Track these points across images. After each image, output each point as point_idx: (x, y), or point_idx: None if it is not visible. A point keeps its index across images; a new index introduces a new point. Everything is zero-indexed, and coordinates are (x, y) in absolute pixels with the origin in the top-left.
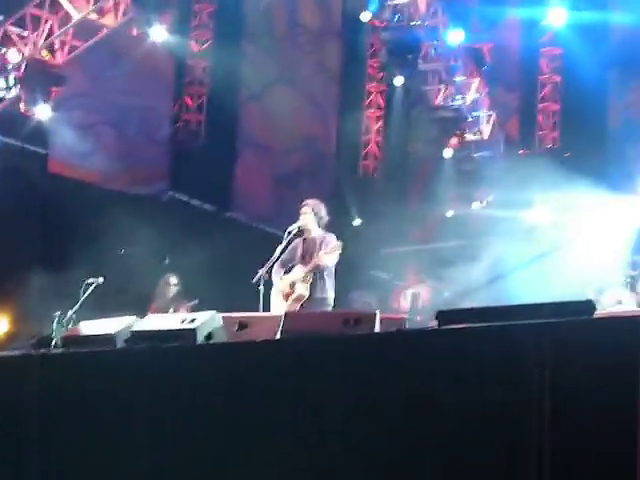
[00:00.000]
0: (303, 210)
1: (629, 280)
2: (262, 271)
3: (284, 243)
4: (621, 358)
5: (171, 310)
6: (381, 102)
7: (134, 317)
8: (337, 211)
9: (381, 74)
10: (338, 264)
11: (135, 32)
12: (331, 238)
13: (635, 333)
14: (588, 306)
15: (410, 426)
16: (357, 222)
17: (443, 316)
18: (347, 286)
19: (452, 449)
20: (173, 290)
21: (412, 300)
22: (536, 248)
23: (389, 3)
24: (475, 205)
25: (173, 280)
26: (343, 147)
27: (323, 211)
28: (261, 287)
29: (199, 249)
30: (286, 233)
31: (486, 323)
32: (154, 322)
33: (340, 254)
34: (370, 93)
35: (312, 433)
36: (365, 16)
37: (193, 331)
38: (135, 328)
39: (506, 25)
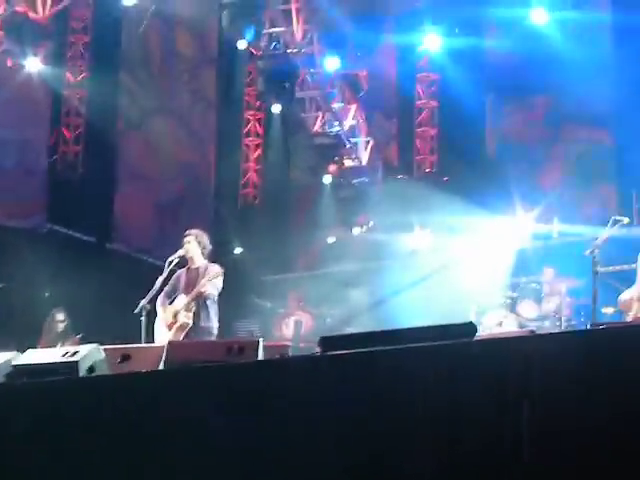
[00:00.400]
0: (186, 240)
1: (509, 301)
2: (144, 301)
3: (165, 273)
4: (503, 378)
5: (59, 345)
6: (259, 130)
7: (15, 352)
8: (218, 240)
9: (259, 102)
10: (221, 293)
11: (10, 63)
12: (215, 269)
13: (517, 354)
14: (470, 328)
15: (291, 454)
16: (238, 251)
17: (326, 342)
18: (231, 315)
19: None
20: (60, 326)
21: (295, 327)
22: (418, 271)
23: (265, 31)
24: (356, 230)
25: (59, 316)
26: (222, 176)
27: (206, 241)
28: (143, 318)
29: (81, 281)
30: (167, 263)
31: (369, 348)
32: (35, 356)
33: (223, 282)
34: (248, 121)
35: (209, 462)
36: (241, 44)
37: (75, 364)
38: (16, 362)
39: (382, 51)
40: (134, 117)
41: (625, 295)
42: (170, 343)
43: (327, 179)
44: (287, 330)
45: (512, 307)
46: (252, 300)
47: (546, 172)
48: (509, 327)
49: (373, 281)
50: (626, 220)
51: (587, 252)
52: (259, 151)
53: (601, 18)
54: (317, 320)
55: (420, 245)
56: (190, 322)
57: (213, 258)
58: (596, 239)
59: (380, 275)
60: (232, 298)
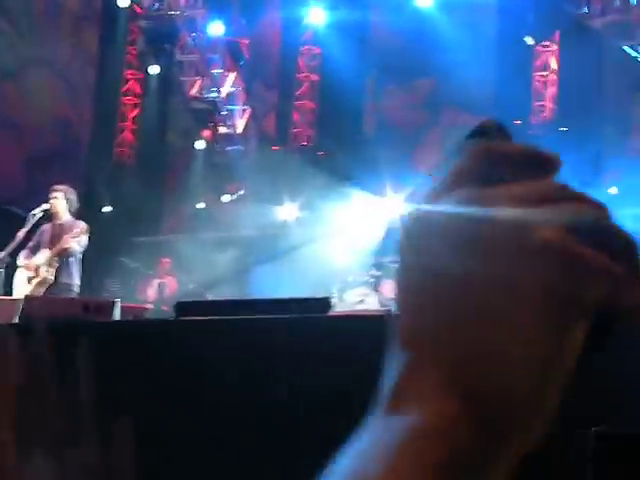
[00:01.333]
0: (53, 195)
1: (373, 280)
2: (3, 253)
3: (28, 226)
4: (350, 356)
5: None
6: (138, 90)
7: None
8: (88, 197)
9: (139, 62)
10: (89, 251)
11: None
12: (80, 225)
13: (369, 333)
14: (324, 303)
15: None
16: (108, 209)
17: (181, 307)
18: (98, 273)
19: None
20: None
21: (158, 290)
22: (285, 244)
23: None
24: (226, 198)
25: None
26: (98, 133)
27: (74, 198)
28: (2, 270)
29: None
30: (30, 216)
31: (222, 316)
32: None
33: (89, 240)
34: (127, 80)
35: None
36: (123, 2)
37: None
38: None
39: (267, 21)
40: (10, 66)
41: None
42: (26, 297)
43: (200, 144)
44: (152, 292)
45: (375, 286)
46: (120, 260)
47: (422, 155)
48: (370, 305)
49: (240, 250)
50: None
51: None
52: (136, 111)
53: (486, 3)
54: (181, 284)
55: (289, 218)
56: (51, 278)
57: (82, 215)
58: None
59: (247, 245)
60: (100, 256)
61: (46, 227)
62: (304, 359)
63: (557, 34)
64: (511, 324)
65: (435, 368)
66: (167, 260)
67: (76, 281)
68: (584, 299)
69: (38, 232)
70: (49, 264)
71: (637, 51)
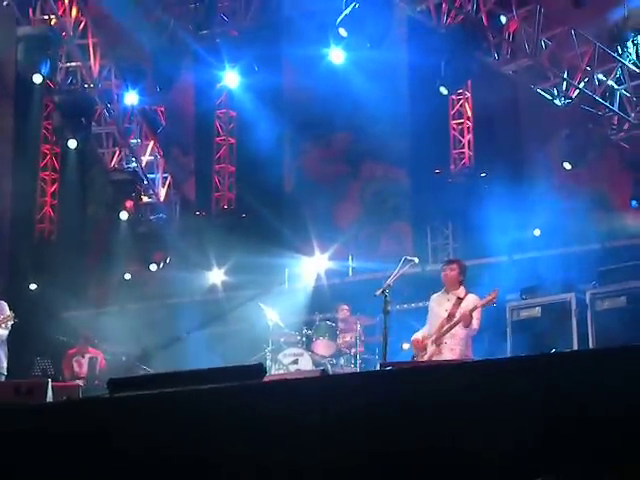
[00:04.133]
0: None
1: (304, 339)
2: None
3: None
4: (290, 420)
5: None
6: (56, 164)
7: None
8: (13, 275)
9: (55, 137)
10: (17, 329)
11: None
12: (2, 306)
13: (306, 396)
14: (257, 370)
15: None
16: (33, 286)
17: (115, 384)
18: (27, 350)
19: None
20: None
21: (89, 365)
22: (215, 309)
23: (61, 66)
24: (153, 267)
25: None
26: (18, 210)
27: None
28: None
29: None
30: None
31: (157, 390)
32: None
33: (18, 318)
34: (45, 155)
35: None
36: (37, 78)
37: None
38: None
39: (180, 87)
40: None
41: (417, 335)
42: None
43: (124, 215)
44: (80, 368)
45: (307, 345)
46: (50, 336)
47: (343, 210)
48: (304, 365)
49: (170, 319)
50: (416, 260)
51: (378, 292)
52: (56, 186)
53: (398, 57)
54: (113, 358)
55: (217, 282)
56: None
57: (8, 292)
58: (387, 279)
59: (177, 313)
60: (28, 334)
61: None
62: (242, 428)
63: (469, 83)
64: None
65: None
66: (90, 334)
67: (3, 364)
68: None
69: None
70: None
71: (551, 94)
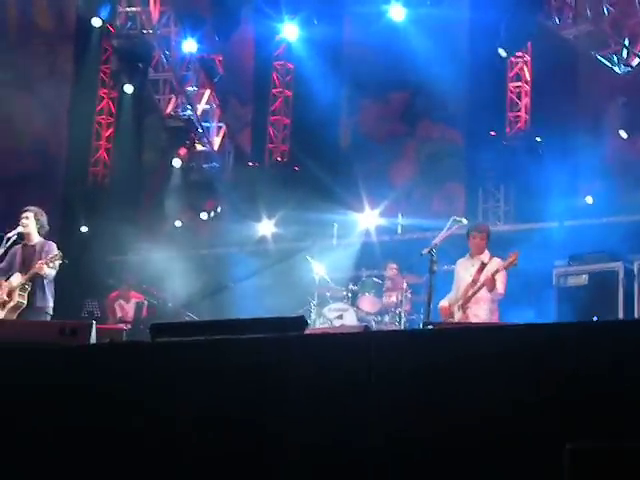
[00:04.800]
0: (24, 215)
1: (350, 295)
2: None
3: (2, 249)
4: (330, 372)
5: None
6: (112, 109)
7: None
8: (65, 217)
9: (113, 81)
10: (65, 271)
11: None
12: (51, 247)
13: (347, 350)
14: (299, 322)
15: (121, 444)
16: (84, 229)
17: (157, 329)
18: (76, 293)
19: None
20: None
21: (136, 310)
22: (263, 260)
23: (121, 10)
24: (204, 215)
25: None
26: (73, 152)
27: (44, 219)
28: None
29: None
30: (4, 239)
31: (199, 337)
32: None
33: (65, 261)
34: (102, 99)
35: (26, 443)
36: (96, 22)
37: None
38: None
39: (239, 38)
40: None
41: (443, 302)
42: (1, 322)
43: (177, 162)
44: (125, 312)
45: (353, 300)
46: (99, 279)
47: (398, 169)
48: (349, 320)
49: (218, 267)
50: (464, 221)
51: (425, 251)
52: (111, 130)
53: (459, 16)
54: (160, 304)
55: (266, 234)
56: (25, 302)
57: (60, 234)
58: (434, 238)
59: (226, 262)
60: (78, 276)
61: (17, 249)
62: (281, 379)
63: (529, 45)
64: None
65: None
66: (139, 279)
67: (50, 304)
68: None
69: (9, 254)
70: (22, 289)
71: (610, 60)
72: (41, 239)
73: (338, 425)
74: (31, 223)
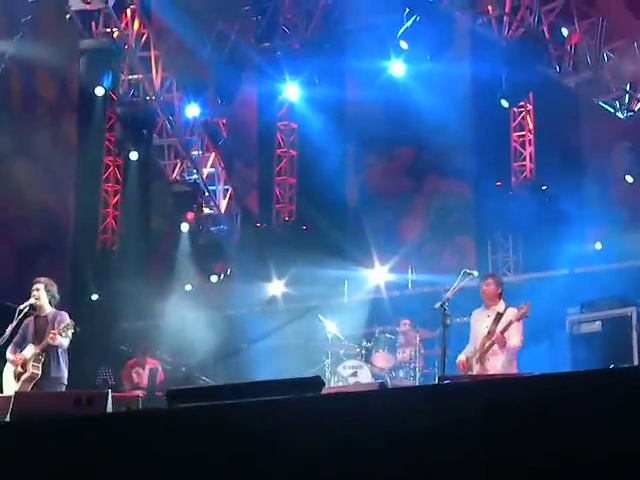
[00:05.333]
0: (35, 287)
1: (364, 351)
2: None
3: (15, 322)
4: (349, 432)
5: None
6: (119, 176)
7: None
8: (75, 285)
9: (118, 148)
10: (77, 339)
11: None
12: (63, 316)
13: (361, 409)
14: (315, 383)
15: None
16: (95, 297)
17: (173, 395)
18: (88, 361)
19: None
20: None
21: (150, 376)
22: (275, 320)
23: (123, 78)
24: (213, 278)
25: None
26: (81, 221)
27: (55, 290)
28: None
29: None
30: (17, 311)
31: (215, 401)
32: None
33: (77, 329)
34: (108, 167)
35: None
36: (99, 91)
37: None
38: None
39: (242, 100)
40: None
41: (461, 356)
42: (17, 394)
43: (185, 227)
44: (140, 378)
45: (367, 357)
46: (111, 346)
47: (406, 224)
48: (363, 377)
49: (231, 329)
50: (475, 273)
51: (437, 305)
52: (118, 197)
53: (460, 69)
54: (173, 369)
55: (277, 294)
56: (39, 373)
57: (71, 303)
58: (446, 292)
59: (238, 323)
60: (90, 344)
61: (30, 321)
62: (300, 441)
63: (531, 94)
64: None
65: None
66: (149, 345)
67: (64, 374)
68: None
69: (22, 326)
70: (36, 359)
71: (613, 106)
72: (53, 309)
73: None
74: (42, 294)
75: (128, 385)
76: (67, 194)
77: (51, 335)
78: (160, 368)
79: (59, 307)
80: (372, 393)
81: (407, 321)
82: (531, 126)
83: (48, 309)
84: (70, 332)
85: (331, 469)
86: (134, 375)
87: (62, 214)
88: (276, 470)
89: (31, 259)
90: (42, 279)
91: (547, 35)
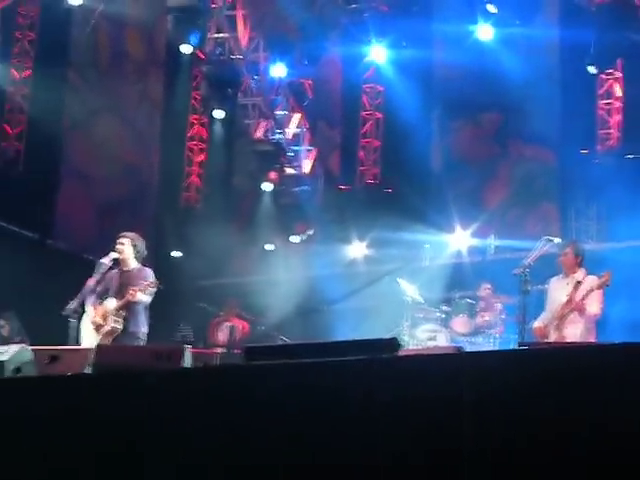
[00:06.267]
0: (121, 241)
1: (443, 316)
2: (74, 304)
3: (98, 275)
4: (425, 393)
5: None
6: (203, 134)
7: None
8: (157, 242)
9: (203, 107)
10: (160, 296)
11: None
12: (148, 273)
13: (437, 372)
14: (393, 344)
15: (215, 461)
16: (177, 253)
17: (250, 352)
18: (169, 317)
19: None
20: (4, 330)
21: (230, 333)
22: (354, 282)
23: (210, 36)
24: (295, 239)
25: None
26: (165, 178)
27: (142, 245)
28: (73, 320)
29: (20, 278)
30: (99, 264)
31: (291, 359)
32: None
33: (161, 284)
34: (193, 125)
35: (127, 467)
36: (186, 49)
37: (0, 364)
38: None
39: (328, 61)
40: (80, 116)
41: (538, 323)
42: (98, 347)
43: (267, 186)
44: (222, 336)
45: (445, 321)
46: (192, 304)
47: (490, 189)
48: (441, 341)
49: (310, 290)
50: (556, 240)
51: (517, 271)
52: (202, 155)
53: (548, 34)
54: (252, 327)
55: (358, 256)
56: (120, 327)
57: (152, 259)
58: (527, 258)
59: (318, 284)
60: (171, 301)
61: (114, 274)
62: (375, 401)
63: (619, 62)
64: None
65: None
66: (236, 303)
67: (143, 329)
68: None
69: (106, 279)
70: (117, 314)
71: None
72: (138, 265)
73: (432, 445)
74: (127, 249)
75: (213, 342)
76: (152, 151)
77: (131, 292)
78: (241, 326)
79: (143, 264)
80: (448, 356)
81: (488, 286)
82: (619, 94)
83: (133, 264)
84: (153, 291)
85: (407, 429)
86: (218, 332)
87: (146, 171)
88: (349, 430)
89: (114, 215)
90: (129, 234)
91: (637, 1)
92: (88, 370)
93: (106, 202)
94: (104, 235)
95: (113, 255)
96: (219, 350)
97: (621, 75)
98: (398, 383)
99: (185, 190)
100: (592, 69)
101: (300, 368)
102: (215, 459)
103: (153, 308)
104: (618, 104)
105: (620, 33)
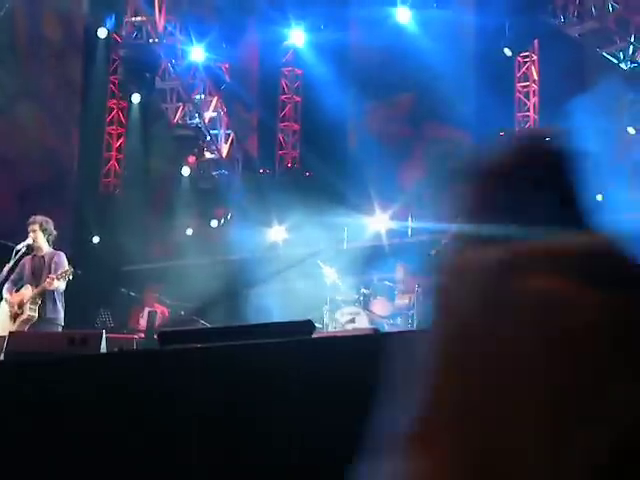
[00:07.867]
0: (31, 228)
1: (362, 298)
2: None
3: (12, 261)
4: (339, 373)
5: None
6: (122, 119)
7: None
8: (77, 227)
9: (121, 91)
10: (79, 281)
11: None
12: (61, 258)
13: (351, 352)
14: (307, 326)
15: (127, 452)
16: (96, 239)
17: (165, 337)
18: (89, 303)
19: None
20: None
21: (149, 318)
22: (274, 266)
23: (127, 20)
24: (214, 223)
25: None
26: (85, 163)
27: (51, 227)
28: None
29: None
30: (14, 251)
31: (206, 343)
32: None
33: (77, 272)
34: (112, 109)
35: (43, 453)
36: (102, 32)
37: None
38: None
39: (246, 44)
40: None
41: None
42: (11, 333)
43: (186, 170)
44: (142, 321)
45: (365, 304)
46: (113, 289)
47: (406, 170)
48: (361, 324)
49: (230, 274)
50: None
51: (433, 252)
52: (121, 140)
53: (464, 18)
54: (172, 312)
55: (278, 240)
56: (36, 315)
57: (72, 244)
58: (444, 239)
59: (237, 268)
60: (91, 287)
61: (27, 260)
62: (289, 382)
63: (536, 44)
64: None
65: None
66: (155, 288)
67: (61, 315)
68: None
69: (19, 265)
70: (33, 302)
71: (617, 57)
72: (50, 250)
73: (348, 427)
74: (39, 234)
75: (133, 328)
76: (71, 136)
77: (48, 280)
78: (161, 311)
79: (58, 247)
80: (362, 337)
81: (402, 267)
82: (535, 76)
83: (46, 249)
84: (67, 277)
85: (316, 412)
86: (140, 318)
87: (66, 156)
88: (262, 412)
89: (33, 200)
90: (37, 218)
91: None
92: (1, 357)
93: (26, 188)
94: (24, 221)
95: (28, 241)
96: (139, 336)
97: (537, 58)
98: (313, 364)
99: (105, 176)
100: (507, 51)
101: (214, 352)
102: (125, 444)
103: (72, 294)
104: (535, 87)
105: (535, 15)
